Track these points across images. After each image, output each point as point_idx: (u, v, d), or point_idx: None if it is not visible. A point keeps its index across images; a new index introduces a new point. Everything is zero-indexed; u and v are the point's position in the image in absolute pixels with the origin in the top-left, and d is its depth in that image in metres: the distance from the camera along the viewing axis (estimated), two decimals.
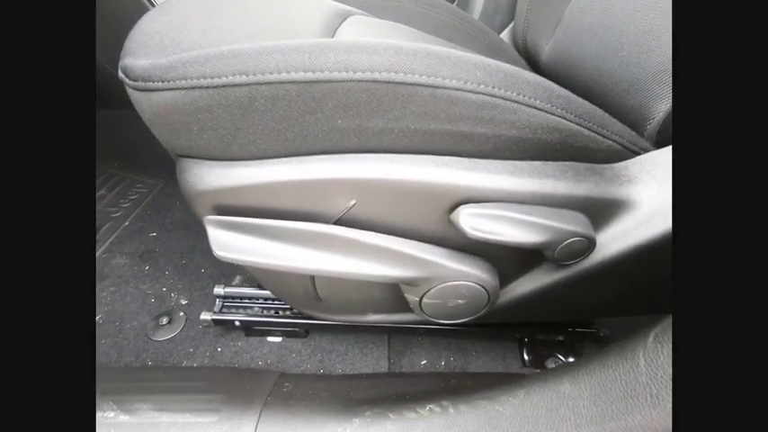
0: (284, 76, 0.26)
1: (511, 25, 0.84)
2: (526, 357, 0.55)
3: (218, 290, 0.56)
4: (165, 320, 0.63)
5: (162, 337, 0.61)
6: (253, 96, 0.27)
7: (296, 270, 0.32)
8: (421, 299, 0.36)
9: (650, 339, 0.23)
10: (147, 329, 0.62)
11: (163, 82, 0.27)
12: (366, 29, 0.43)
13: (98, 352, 0.58)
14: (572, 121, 0.32)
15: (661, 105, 0.39)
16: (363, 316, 0.46)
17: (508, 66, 0.30)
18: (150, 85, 0.28)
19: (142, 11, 0.68)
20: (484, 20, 0.91)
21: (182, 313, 0.65)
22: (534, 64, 0.66)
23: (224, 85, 0.27)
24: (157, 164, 0.97)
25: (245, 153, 0.31)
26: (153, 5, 0.67)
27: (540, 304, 0.41)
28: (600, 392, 0.25)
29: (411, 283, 0.35)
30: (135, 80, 0.29)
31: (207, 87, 0.27)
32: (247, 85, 0.26)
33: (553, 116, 0.31)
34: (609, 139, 0.35)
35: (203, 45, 0.29)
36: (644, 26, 0.41)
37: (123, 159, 1.02)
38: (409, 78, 0.27)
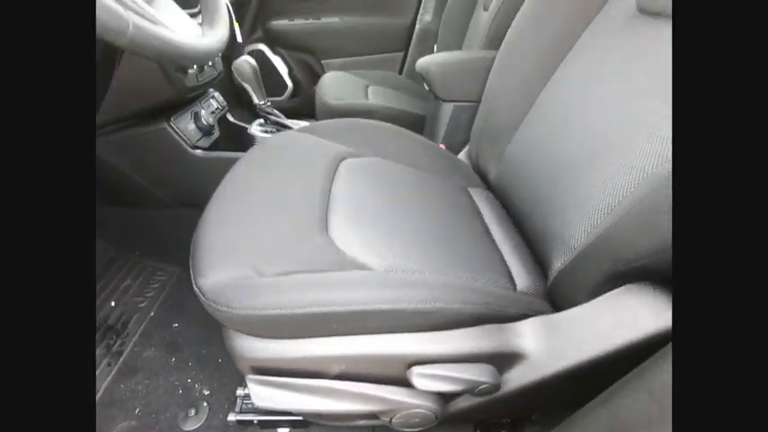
0: (307, 311, 0.44)
1: (467, 147, 1.04)
2: None
3: (240, 391, 0.72)
4: (192, 412, 0.78)
5: (191, 426, 0.76)
6: (285, 315, 0.45)
7: (312, 411, 0.50)
8: (390, 420, 0.53)
9: None
10: (177, 420, 0.77)
11: (227, 308, 0.45)
12: (357, 174, 0.66)
13: None
14: (488, 309, 0.50)
15: (555, 264, 0.58)
16: (352, 422, 0.63)
17: (454, 280, 0.49)
18: (219, 307, 0.45)
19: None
20: (448, 137, 1.13)
21: (205, 403, 0.80)
22: (486, 180, 0.86)
23: (267, 314, 0.44)
24: (174, 252, 1.11)
25: (276, 335, 0.49)
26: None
27: (477, 413, 0.59)
28: None
29: (383, 413, 0.52)
30: (207, 299, 0.46)
31: (255, 314, 0.44)
32: (283, 315, 0.44)
33: (477, 307, 0.49)
34: (514, 310, 0.53)
35: (251, 257, 0.48)
36: (557, 189, 0.60)
37: (142, 250, 1.15)
38: (384, 306, 0.45)
